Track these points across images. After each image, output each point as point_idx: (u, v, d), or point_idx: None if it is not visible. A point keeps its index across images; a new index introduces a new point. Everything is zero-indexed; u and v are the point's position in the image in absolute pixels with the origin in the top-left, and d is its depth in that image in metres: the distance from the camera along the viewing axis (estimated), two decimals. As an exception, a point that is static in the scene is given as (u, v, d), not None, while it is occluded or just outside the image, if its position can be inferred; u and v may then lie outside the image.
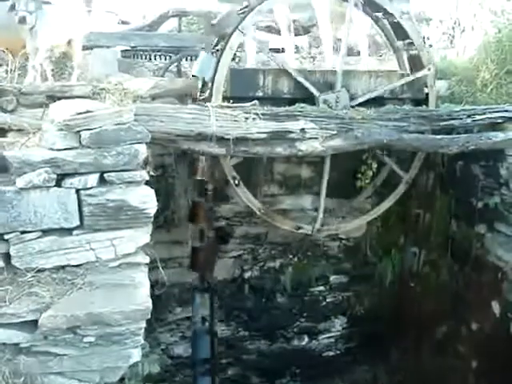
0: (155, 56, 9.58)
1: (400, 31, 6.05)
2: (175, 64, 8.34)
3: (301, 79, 5.52)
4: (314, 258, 7.23)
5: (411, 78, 6.02)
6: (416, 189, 6.69)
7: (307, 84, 5.54)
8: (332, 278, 7.46)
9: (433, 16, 27.57)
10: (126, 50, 9.26)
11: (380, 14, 6.09)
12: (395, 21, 5.96)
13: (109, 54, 8.99)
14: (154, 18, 10.86)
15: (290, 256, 7.11)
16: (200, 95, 5.46)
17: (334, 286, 7.53)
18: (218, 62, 5.26)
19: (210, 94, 5.24)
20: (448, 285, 6.85)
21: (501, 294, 6.24)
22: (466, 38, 24.66)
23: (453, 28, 25.54)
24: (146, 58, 9.61)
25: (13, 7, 6.57)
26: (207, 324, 6.65)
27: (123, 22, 16.99)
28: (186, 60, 8.72)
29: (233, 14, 5.52)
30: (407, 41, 6.11)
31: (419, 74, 6.02)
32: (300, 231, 5.96)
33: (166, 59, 9.32)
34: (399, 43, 6.26)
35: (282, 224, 5.83)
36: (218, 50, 5.37)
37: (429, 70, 6.03)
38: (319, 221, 5.95)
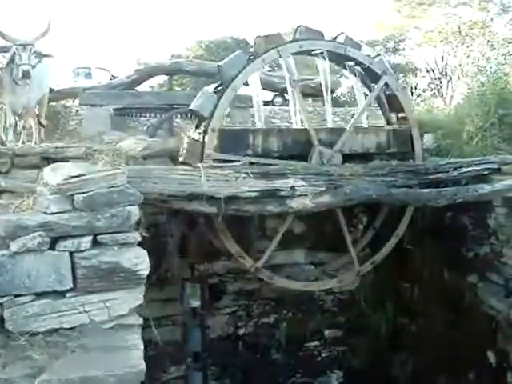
0: (147, 113, 9.78)
1: (394, 101, 6.24)
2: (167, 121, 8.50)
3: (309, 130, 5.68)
4: (309, 313, 7.23)
5: (397, 132, 6.16)
6: (407, 241, 6.75)
7: (312, 133, 5.68)
8: (327, 332, 7.44)
9: (420, 66, 28.07)
10: (119, 109, 9.45)
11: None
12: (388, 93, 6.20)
13: (102, 112, 9.19)
14: (135, 75, 11.07)
15: (284, 311, 7.11)
16: (195, 131, 5.53)
17: (329, 340, 7.50)
18: (219, 100, 5.37)
19: (206, 131, 5.33)
20: (443, 335, 6.82)
21: (496, 343, 6.24)
22: (452, 87, 25.13)
23: (439, 78, 26.07)
24: (138, 116, 9.80)
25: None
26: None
27: (115, 78, 17.27)
28: (179, 117, 8.90)
29: (239, 57, 5.63)
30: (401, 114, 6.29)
31: (404, 129, 6.17)
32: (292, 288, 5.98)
33: (157, 116, 9.52)
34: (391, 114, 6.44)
35: (276, 282, 5.85)
36: (219, 91, 5.46)
37: (413, 124, 6.18)
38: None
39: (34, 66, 6.66)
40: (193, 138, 5.45)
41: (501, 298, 6.27)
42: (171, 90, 12.73)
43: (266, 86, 8.00)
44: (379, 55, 6.61)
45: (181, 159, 5.40)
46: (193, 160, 5.33)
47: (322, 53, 5.89)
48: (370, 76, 6.23)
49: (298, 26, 5.98)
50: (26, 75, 6.55)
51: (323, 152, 5.68)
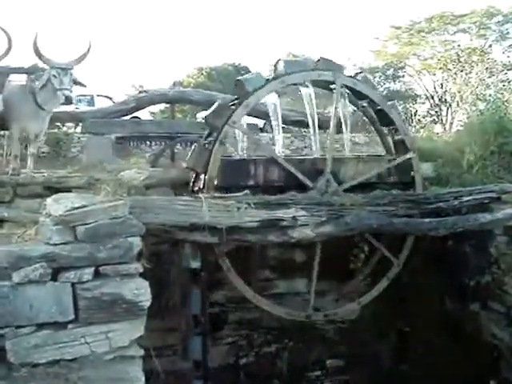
0: (149, 142, 9.87)
1: (384, 118, 6.27)
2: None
3: (292, 169, 5.70)
4: (310, 342, 7.19)
5: (397, 162, 6.20)
6: (409, 269, 6.74)
7: (299, 174, 5.71)
8: (329, 361, 7.40)
9: (420, 93, 28.24)
10: (121, 137, 9.54)
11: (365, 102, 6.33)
12: (379, 108, 6.22)
13: (104, 141, 9.27)
14: (135, 103, 11.07)
15: (286, 340, 7.08)
16: (193, 186, 5.58)
17: (331, 370, 7.45)
18: (210, 154, 5.42)
19: (203, 186, 5.37)
20: (445, 364, 6.79)
21: (499, 372, 6.22)
22: (451, 113, 25.33)
23: (438, 104, 26.29)
24: (139, 144, 9.89)
25: (45, 85, 6.35)
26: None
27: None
28: (180, 145, 8.98)
29: (224, 106, 5.71)
30: (392, 127, 6.31)
31: (404, 158, 6.21)
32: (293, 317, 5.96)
33: (158, 144, 9.60)
34: (384, 129, 6.47)
35: (276, 311, 5.84)
36: (210, 142, 5.53)
37: (413, 153, 6.22)
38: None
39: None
40: (192, 191, 5.52)
41: (503, 326, 6.26)
42: (173, 118, 12.78)
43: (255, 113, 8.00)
44: (361, 72, 6.69)
45: (185, 165, 5.46)
46: (197, 167, 5.44)
47: (304, 83, 5.98)
48: (356, 96, 6.32)
49: (278, 60, 6.07)
50: (69, 101, 6.46)
51: (330, 182, 5.74)
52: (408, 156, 6.19)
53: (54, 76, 6.32)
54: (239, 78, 5.89)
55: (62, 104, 6.47)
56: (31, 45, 6.39)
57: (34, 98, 6.42)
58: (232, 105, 5.68)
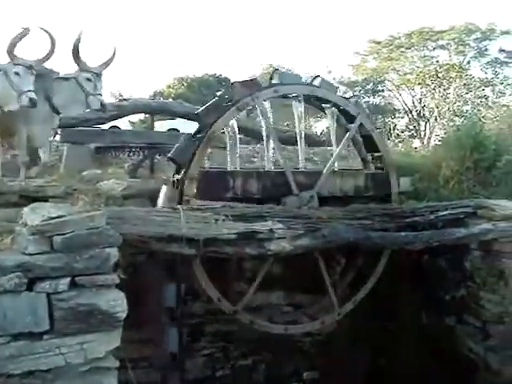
0: (128, 152, 9.83)
1: (368, 143, 6.36)
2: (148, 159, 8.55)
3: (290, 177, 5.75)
4: (287, 355, 7.18)
5: (375, 175, 6.26)
6: (385, 282, 6.78)
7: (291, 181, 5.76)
8: (305, 374, 7.39)
9: (398, 107, 28.56)
10: (100, 147, 9.50)
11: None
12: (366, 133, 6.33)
13: (83, 150, 9.23)
14: (116, 111, 11.04)
15: (263, 353, 7.07)
16: (173, 177, 5.56)
17: (308, 382, 7.43)
18: (197, 147, 5.43)
19: (184, 179, 5.37)
20: (421, 377, 6.82)
21: (475, 386, 6.26)
22: (429, 128, 25.63)
23: (417, 119, 26.60)
24: (119, 154, 9.85)
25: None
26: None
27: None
28: (159, 155, 8.96)
29: (218, 104, 5.71)
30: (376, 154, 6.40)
31: (382, 172, 6.28)
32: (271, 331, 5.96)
33: (138, 154, 9.58)
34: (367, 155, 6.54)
35: (254, 323, 5.83)
36: (198, 137, 5.52)
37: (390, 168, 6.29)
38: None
39: None
40: (172, 182, 5.49)
41: (478, 340, 6.32)
42: (153, 129, 12.76)
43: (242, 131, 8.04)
44: (354, 96, 6.79)
45: (159, 205, 5.44)
46: (181, 159, 5.49)
47: (297, 96, 5.99)
48: (346, 117, 6.35)
49: (275, 69, 6.12)
50: (103, 106, 6.45)
51: (301, 195, 5.76)
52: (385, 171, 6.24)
53: (89, 80, 6.33)
54: (235, 81, 5.94)
55: (98, 109, 6.50)
56: (72, 47, 6.44)
57: (49, 102, 6.45)
58: (225, 105, 5.69)
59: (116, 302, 4.11)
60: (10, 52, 6.21)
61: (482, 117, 10.93)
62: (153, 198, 5.93)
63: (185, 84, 32.76)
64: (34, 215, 4.17)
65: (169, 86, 32.96)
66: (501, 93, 27.59)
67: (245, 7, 58.13)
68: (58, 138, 10.78)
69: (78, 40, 6.39)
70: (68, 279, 4.02)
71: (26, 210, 4.41)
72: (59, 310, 3.98)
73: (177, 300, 5.64)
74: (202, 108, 5.91)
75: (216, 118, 5.58)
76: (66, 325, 4.00)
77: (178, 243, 4.84)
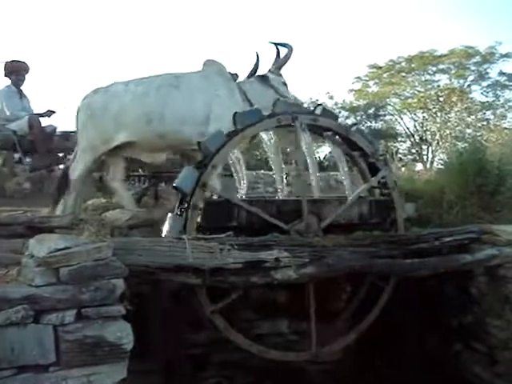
0: (132, 180, 9.87)
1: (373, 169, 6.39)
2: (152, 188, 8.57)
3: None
4: (293, 383, 7.12)
5: (379, 202, 6.27)
6: (390, 310, 6.76)
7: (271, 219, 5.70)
8: (312, 402, 7.32)
9: (400, 131, 28.64)
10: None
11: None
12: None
13: (87, 179, 9.24)
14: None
15: (269, 382, 7.00)
16: (178, 208, 5.58)
17: (314, 410, 7.36)
18: (200, 176, 5.43)
19: (187, 208, 5.37)
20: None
21: (482, 413, 6.22)
22: (432, 152, 25.68)
23: (419, 143, 26.68)
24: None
25: None
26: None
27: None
28: (164, 184, 8.99)
29: (220, 134, 5.73)
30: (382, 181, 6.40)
31: (386, 199, 6.29)
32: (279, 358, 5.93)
33: (142, 182, 9.61)
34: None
35: (261, 352, 5.80)
36: (201, 167, 5.53)
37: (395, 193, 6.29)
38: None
39: None
40: (176, 214, 5.50)
41: (485, 366, 6.28)
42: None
43: None
44: (356, 124, 6.81)
45: (164, 234, 5.45)
46: (184, 188, 5.44)
47: (301, 125, 6.00)
48: (348, 144, 6.36)
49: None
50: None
51: (310, 224, 5.77)
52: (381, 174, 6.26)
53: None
54: (236, 111, 5.92)
55: None
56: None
57: None
58: (228, 134, 5.71)
59: (122, 334, 4.11)
60: None
61: (485, 140, 10.95)
62: (158, 227, 5.95)
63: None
64: (40, 246, 4.19)
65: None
66: (502, 116, 27.69)
67: (241, 31, 58.51)
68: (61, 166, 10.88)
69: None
70: (74, 311, 4.03)
71: (32, 241, 4.43)
72: (66, 342, 3.98)
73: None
74: (206, 137, 5.92)
75: (220, 146, 5.59)
76: (72, 357, 4.00)
77: (185, 273, 4.86)
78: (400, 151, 27.06)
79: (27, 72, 8.22)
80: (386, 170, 6.23)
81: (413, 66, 28.78)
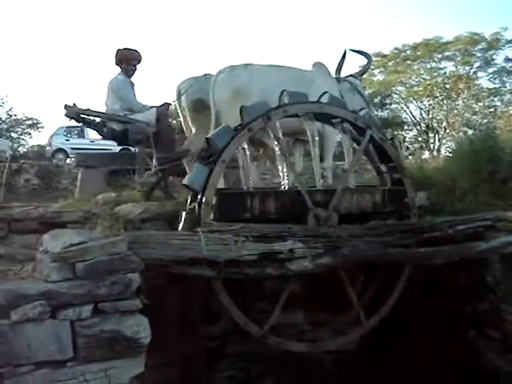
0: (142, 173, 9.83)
1: (382, 154, 6.32)
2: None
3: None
4: (309, 374, 7.11)
5: (392, 191, 6.23)
6: (405, 298, 6.73)
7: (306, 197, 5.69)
8: (326, 392, 7.31)
9: (407, 120, 28.57)
10: (114, 170, 9.54)
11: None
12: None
13: (97, 174, 9.28)
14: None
15: (285, 373, 6.99)
16: (189, 205, 5.54)
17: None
18: (210, 173, 5.36)
19: (200, 205, 5.32)
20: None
21: (497, 400, 6.19)
22: (438, 140, 25.59)
23: (426, 131, 26.62)
24: (133, 176, 9.87)
25: None
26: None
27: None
28: (177, 176, 8.93)
29: (229, 128, 5.68)
30: (390, 164, 6.36)
31: (399, 188, 6.25)
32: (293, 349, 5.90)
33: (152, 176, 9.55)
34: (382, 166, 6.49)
35: (276, 343, 5.78)
36: (210, 162, 5.48)
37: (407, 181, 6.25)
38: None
39: None
40: (189, 209, 5.47)
41: (499, 353, 6.25)
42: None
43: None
44: (364, 108, 6.70)
45: (184, 182, 5.44)
46: (195, 185, 5.39)
47: (307, 114, 5.97)
48: (356, 130, 6.31)
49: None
50: None
51: (319, 214, 5.72)
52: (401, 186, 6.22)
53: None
54: (244, 105, 5.88)
55: None
56: None
57: None
58: (235, 129, 5.66)
59: (139, 328, 4.12)
60: None
61: (494, 127, 10.86)
62: (170, 220, 5.93)
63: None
64: (54, 242, 4.19)
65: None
66: (510, 102, 27.56)
67: (244, 19, 58.30)
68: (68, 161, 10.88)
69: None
70: (91, 306, 4.03)
71: (46, 236, 4.42)
72: (83, 336, 3.99)
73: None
74: (213, 132, 5.88)
75: (227, 141, 5.52)
76: (89, 352, 4.01)
77: (199, 265, 4.83)
78: (407, 139, 26.99)
79: (139, 62, 7.93)
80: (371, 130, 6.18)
81: (418, 53, 28.67)
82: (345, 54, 8.83)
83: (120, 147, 13.84)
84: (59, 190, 13.61)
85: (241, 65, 7.56)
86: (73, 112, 7.33)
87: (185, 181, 5.54)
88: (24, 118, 31.74)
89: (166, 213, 6.06)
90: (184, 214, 5.43)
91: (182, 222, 5.36)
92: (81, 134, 23.07)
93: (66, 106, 7.29)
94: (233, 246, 4.86)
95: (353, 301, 5.93)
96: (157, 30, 57.45)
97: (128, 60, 7.71)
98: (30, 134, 32.34)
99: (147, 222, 5.96)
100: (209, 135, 5.75)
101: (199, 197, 5.37)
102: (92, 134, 23.62)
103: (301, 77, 7.80)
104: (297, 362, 6.71)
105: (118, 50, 7.73)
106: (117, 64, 7.73)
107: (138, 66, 7.95)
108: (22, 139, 32.17)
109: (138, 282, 4.20)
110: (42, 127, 32.27)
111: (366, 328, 6.03)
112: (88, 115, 7.60)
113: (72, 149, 21.11)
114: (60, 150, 22.37)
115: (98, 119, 7.71)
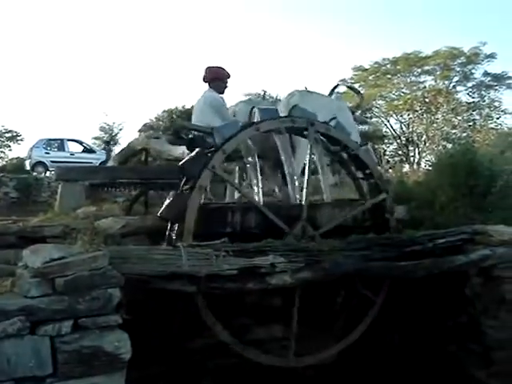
0: (122, 187, 9.81)
1: (359, 163, 6.37)
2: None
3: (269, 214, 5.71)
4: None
5: (370, 204, 6.28)
6: (385, 312, 6.76)
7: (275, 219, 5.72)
8: (308, 406, 7.29)
9: (387, 133, 28.76)
10: (94, 184, 9.48)
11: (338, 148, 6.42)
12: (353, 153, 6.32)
13: (77, 187, 9.20)
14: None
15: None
16: (169, 234, 5.54)
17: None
18: (185, 203, 5.37)
19: (181, 233, 5.33)
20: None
21: (477, 414, 6.21)
22: (419, 153, 25.78)
23: (406, 145, 26.80)
24: (113, 190, 9.84)
25: None
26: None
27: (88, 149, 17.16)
28: (154, 190, 8.94)
29: (202, 153, 5.71)
30: (367, 171, 6.41)
31: (377, 200, 6.30)
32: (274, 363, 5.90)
33: (132, 190, 9.56)
34: (358, 173, 6.56)
35: (256, 357, 5.78)
36: (186, 189, 5.49)
37: (387, 195, 6.31)
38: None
39: None
40: (177, 193, 5.48)
41: (480, 367, 6.28)
42: (146, 164, 12.75)
43: None
44: (334, 118, 6.76)
45: (159, 214, 5.41)
46: (170, 216, 5.41)
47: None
48: (331, 142, 6.43)
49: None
50: None
51: (307, 228, 5.76)
52: (381, 197, 6.27)
53: None
54: (213, 127, 5.93)
55: None
56: None
57: None
58: (208, 152, 5.70)
59: (120, 343, 4.08)
60: None
61: (473, 141, 11.00)
62: (151, 234, 5.91)
63: (174, 116, 32.57)
64: (34, 257, 4.16)
65: (158, 119, 32.77)
66: (488, 116, 27.89)
67: (229, 39, 58.56)
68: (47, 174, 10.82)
69: None
70: (71, 321, 4.00)
71: (26, 251, 4.39)
72: (63, 352, 3.95)
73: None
74: (186, 159, 5.91)
75: (202, 166, 5.54)
76: (69, 368, 3.97)
77: (180, 281, 4.82)
78: (387, 153, 27.17)
79: (229, 79, 7.93)
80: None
81: (398, 67, 28.98)
82: (336, 86, 9.08)
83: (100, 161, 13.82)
84: (39, 204, 13.52)
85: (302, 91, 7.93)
86: None
87: (160, 213, 5.60)
88: (3, 131, 31.40)
89: (146, 227, 6.04)
90: (172, 193, 5.46)
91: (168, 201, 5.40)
92: (61, 147, 22.97)
93: None
94: (214, 260, 4.86)
95: (333, 315, 5.95)
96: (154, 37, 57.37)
97: (222, 78, 7.70)
98: (9, 146, 31.98)
99: (127, 236, 5.93)
100: (181, 162, 5.83)
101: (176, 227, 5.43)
102: (72, 147, 23.66)
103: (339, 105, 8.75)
104: (277, 376, 6.70)
105: (210, 67, 7.68)
106: (207, 81, 7.64)
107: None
108: (1, 152, 31.83)
109: (119, 297, 4.17)
110: (21, 140, 31.96)
111: (346, 343, 6.05)
112: None
113: (52, 162, 20.99)
114: (40, 162, 22.21)
115: None
